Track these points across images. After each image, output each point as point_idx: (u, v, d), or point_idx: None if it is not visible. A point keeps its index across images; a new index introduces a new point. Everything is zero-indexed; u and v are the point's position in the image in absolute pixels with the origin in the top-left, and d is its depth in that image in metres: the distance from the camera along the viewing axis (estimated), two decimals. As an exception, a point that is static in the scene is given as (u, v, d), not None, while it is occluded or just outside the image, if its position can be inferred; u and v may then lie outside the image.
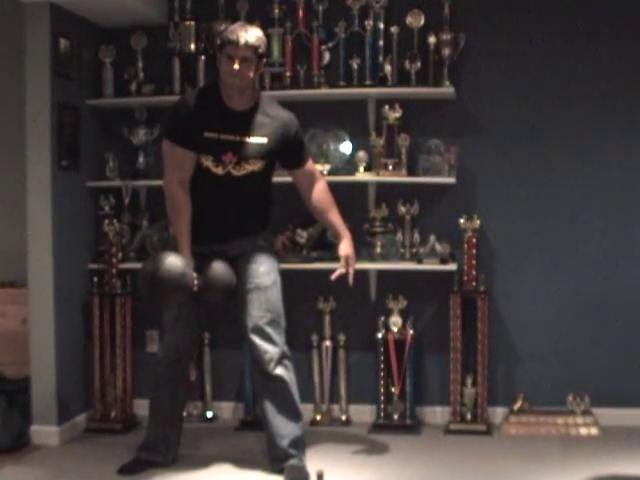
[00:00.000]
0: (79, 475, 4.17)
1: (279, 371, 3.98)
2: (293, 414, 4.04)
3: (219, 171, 3.95)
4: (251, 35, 3.84)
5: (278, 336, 4.00)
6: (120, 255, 4.91)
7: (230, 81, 3.86)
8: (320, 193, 4.16)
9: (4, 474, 4.17)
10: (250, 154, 3.95)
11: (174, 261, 3.85)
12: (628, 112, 4.80)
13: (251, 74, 3.87)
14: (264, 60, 3.99)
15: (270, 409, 4.01)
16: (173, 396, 4.17)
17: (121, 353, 4.86)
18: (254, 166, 3.96)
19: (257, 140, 3.95)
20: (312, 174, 4.18)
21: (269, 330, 3.98)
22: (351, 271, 4.15)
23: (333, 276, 4.14)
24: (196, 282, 3.89)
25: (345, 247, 4.15)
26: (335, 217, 4.18)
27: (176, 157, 3.94)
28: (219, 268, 3.94)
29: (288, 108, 4.95)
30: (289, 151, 4.06)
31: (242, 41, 3.80)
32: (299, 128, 4.09)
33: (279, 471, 4.02)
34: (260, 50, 3.87)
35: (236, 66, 3.82)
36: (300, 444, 4.06)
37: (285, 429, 4.00)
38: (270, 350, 3.97)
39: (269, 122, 3.96)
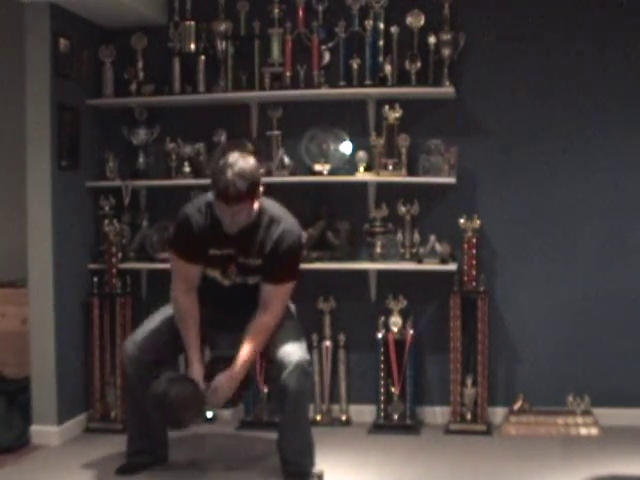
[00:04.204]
0: (79, 475, 4.17)
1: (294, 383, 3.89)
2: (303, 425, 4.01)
3: (226, 282, 3.99)
4: (240, 182, 3.68)
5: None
6: (120, 255, 4.92)
7: (226, 226, 3.82)
8: (257, 325, 3.92)
9: (4, 474, 4.17)
10: (249, 273, 3.95)
11: (183, 390, 3.82)
12: (628, 112, 4.79)
13: (247, 215, 3.79)
14: (261, 188, 3.83)
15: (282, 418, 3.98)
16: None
17: (121, 353, 4.85)
18: (255, 280, 3.96)
19: (254, 262, 3.92)
20: (271, 301, 3.91)
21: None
22: (216, 399, 3.94)
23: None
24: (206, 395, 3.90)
25: (221, 378, 3.91)
26: (246, 350, 3.91)
27: (182, 269, 3.95)
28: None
29: (288, 108, 4.98)
30: (270, 261, 3.90)
31: (231, 197, 3.68)
32: (294, 246, 3.91)
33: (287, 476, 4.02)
34: (253, 188, 3.74)
35: (228, 220, 3.78)
36: (308, 451, 4.02)
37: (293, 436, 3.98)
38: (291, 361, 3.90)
39: (267, 242, 3.89)
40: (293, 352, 3.88)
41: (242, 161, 3.77)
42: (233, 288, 4.00)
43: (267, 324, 3.92)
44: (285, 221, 3.93)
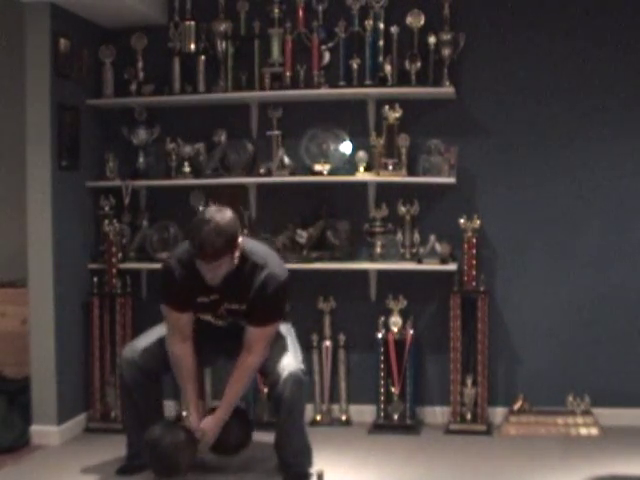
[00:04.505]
0: (79, 475, 4.17)
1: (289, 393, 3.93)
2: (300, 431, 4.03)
3: (220, 323, 4.02)
4: (217, 239, 3.67)
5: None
6: (120, 255, 4.92)
7: (208, 279, 3.80)
8: (242, 367, 3.94)
9: (4, 474, 4.17)
10: (237, 316, 3.97)
11: (176, 438, 3.87)
12: (628, 112, 4.79)
13: (228, 266, 3.77)
14: (240, 238, 3.82)
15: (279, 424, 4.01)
16: (144, 400, 4.09)
17: (121, 353, 4.86)
18: (243, 322, 3.97)
19: (239, 307, 3.94)
20: (255, 343, 3.90)
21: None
22: (203, 446, 3.99)
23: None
24: (201, 439, 3.95)
25: (208, 423, 3.97)
26: (231, 391, 3.98)
27: (173, 319, 3.97)
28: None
29: (288, 108, 4.97)
30: (254, 306, 3.90)
31: (209, 255, 3.68)
32: (278, 291, 3.88)
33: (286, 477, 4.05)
34: (230, 242, 3.72)
35: (209, 275, 3.77)
36: (305, 452, 4.05)
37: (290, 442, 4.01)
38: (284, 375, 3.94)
39: (250, 288, 3.86)
40: (288, 364, 3.92)
41: (218, 216, 3.74)
42: (228, 327, 4.03)
43: (252, 365, 3.95)
44: (269, 266, 3.88)
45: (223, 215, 3.76)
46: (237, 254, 3.80)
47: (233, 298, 3.92)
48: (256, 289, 3.86)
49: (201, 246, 3.69)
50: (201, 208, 4.90)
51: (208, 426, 3.96)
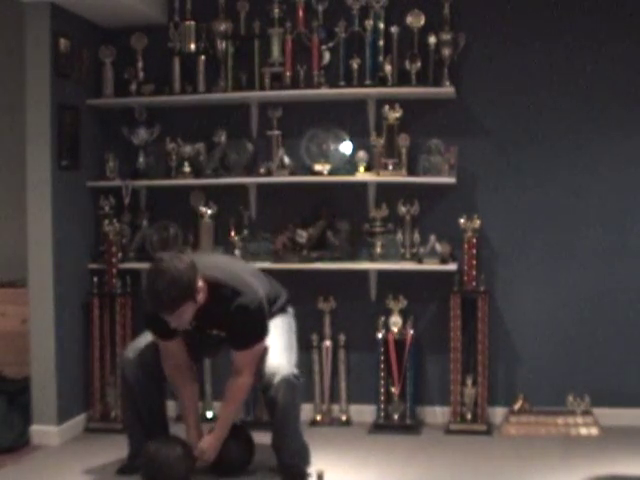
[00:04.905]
0: (79, 475, 4.17)
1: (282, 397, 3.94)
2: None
3: (210, 340, 4.02)
4: (174, 290, 3.61)
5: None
6: (120, 255, 4.92)
7: (174, 326, 3.79)
8: (234, 388, 3.98)
9: (4, 474, 4.17)
10: (220, 341, 3.99)
11: (174, 451, 3.92)
12: (628, 112, 4.79)
13: (193, 309, 3.74)
14: (199, 282, 3.73)
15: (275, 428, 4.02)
16: (146, 400, 4.10)
17: (121, 353, 4.86)
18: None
19: (219, 333, 3.95)
20: (244, 366, 3.92)
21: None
22: (203, 464, 4.05)
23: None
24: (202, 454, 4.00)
25: (207, 441, 4.02)
26: (225, 411, 4.03)
27: (163, 347, 3.99)
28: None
29: (288, 108, 4.97)
30: (232, 334, 3.92)
31: (168, 308, 3.65)
32: (251, 318, 3.86)
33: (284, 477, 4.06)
34: (188, 291, 3.66)
35: (174, 323, 3.75)
36: (303, 452, 4.07)
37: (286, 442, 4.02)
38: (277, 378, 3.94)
39: (224, 317, 3.86)
40: (281, 367, 3.91)
41: (173, 265, 3.67)
42: (221, 341, 4.03)
43: (243, 386, 3.99)
44: (238, 296, 3.83)
45: (178, 264, 3.68)
46: (200, 295, 3.75)
47: (211, 325, 3.94)
48: (230, 320, 3.86)
49: (159, 301, 3.65)
50: (202, 208, 4.93)
51: (207, 443, 4.00)
